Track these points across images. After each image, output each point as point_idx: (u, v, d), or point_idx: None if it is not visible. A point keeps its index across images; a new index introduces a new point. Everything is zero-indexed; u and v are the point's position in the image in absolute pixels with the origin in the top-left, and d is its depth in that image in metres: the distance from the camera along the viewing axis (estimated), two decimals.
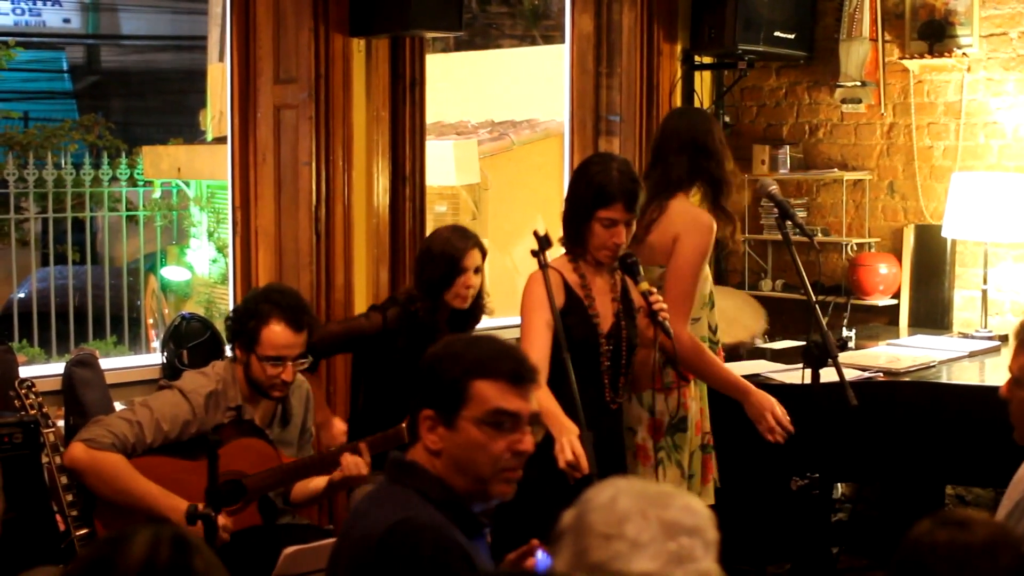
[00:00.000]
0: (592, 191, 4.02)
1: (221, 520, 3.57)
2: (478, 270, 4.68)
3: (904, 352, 5.61)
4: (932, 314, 6.48)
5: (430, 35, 5.87)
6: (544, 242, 3.89)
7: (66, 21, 19.35)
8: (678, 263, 4.38)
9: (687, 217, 4.45)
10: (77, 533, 4.17)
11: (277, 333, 4.12)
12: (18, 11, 18.35)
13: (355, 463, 4.02)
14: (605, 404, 4.12)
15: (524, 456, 2.69)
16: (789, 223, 4.34)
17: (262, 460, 4.08)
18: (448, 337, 2.87)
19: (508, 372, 2.69)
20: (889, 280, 6.55)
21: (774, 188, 4.42)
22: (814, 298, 4.13)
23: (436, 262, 4.67)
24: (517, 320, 4.17)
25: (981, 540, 2.04)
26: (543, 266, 3.88)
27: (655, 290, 4.04)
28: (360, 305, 5.54)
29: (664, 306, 4.01)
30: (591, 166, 4.11)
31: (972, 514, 2.14)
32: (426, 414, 2.71)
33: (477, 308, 4.79)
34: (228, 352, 4.55)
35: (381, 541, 2.54)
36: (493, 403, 2.66)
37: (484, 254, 4.74)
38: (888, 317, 6.65)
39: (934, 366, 5.34)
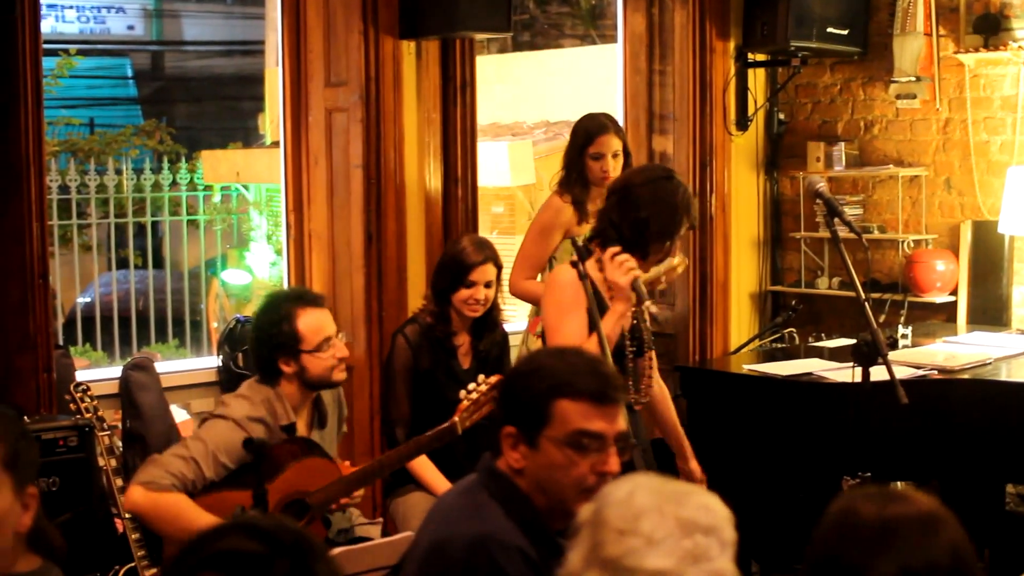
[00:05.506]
0: (680, 214, 4.11)
1: None
2: (489, 284, 4.67)
3: (961, 349, 5.54)
4: (990, 311, 6.41)
5: (479, 36, 5.88)
6: (584, 252, 3.92)
7: (130, 28, 19.54)
8: None
9: None
10: (134, 536, 4.21)
11: (312, 318, 4.12)
12: (83, 19, 18.55)
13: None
14: (629, 405, 4.12)
15: (608, 477, 2.60)
16: (838, 221, 4.31)
17: (323, 476, 4.03)
18: (537, 350, 2.83)
19: (592, 391, 2.62)
20: (946, 277, 6.48)
21: (822, 186, 4.39)
22: (863, 296, 4.10)
23: (446, 268, 4.67)
24: None
25: (918, 514, 1.93)
26: (583, 276, 3.88)
27: None
28: (413, 306, 5.56)
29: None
30: (677, 185, 4.16)
31: (906, 490, 2.03)
32: (508, 431, 2.67)
33: (492, 319, 4.78)
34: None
35: (465, 551, 2.54)
36: (575, 424, 2.60)
37: (499, 268, 4.73)
38: (946, 314, 6.59)
39: (990, 363, 5.27)
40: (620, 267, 3.97)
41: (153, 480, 3.85)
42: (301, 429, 4.20)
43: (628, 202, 4.14)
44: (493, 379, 4.16)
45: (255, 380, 4.18)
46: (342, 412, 4.46)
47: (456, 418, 4.10)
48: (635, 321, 4.20)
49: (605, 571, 1.83)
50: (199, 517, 3.83)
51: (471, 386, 4.17)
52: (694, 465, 4.52)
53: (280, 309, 4.15)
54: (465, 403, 4.14)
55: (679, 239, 4.19)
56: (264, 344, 4.13)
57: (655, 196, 4.11)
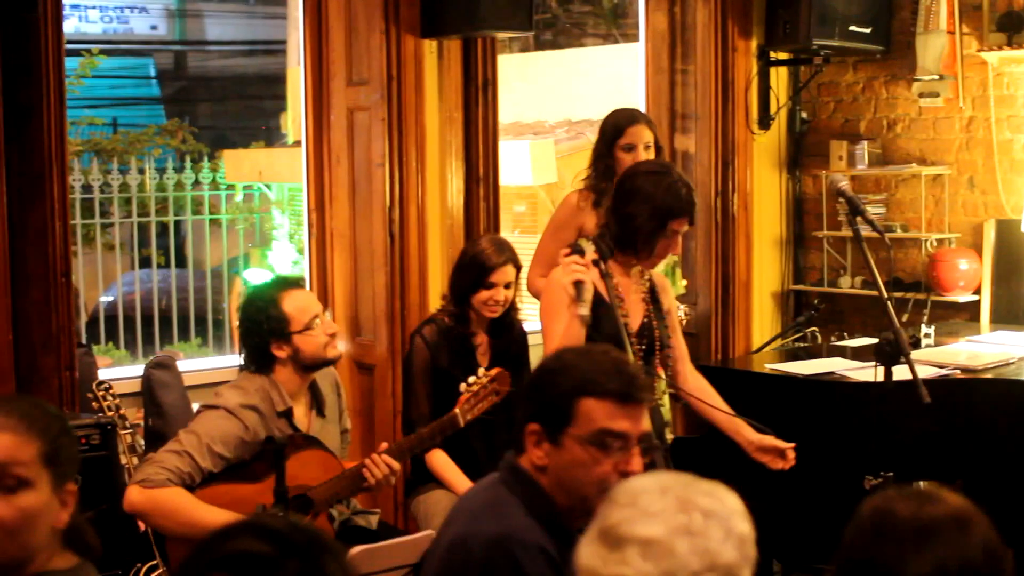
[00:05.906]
0: (663, 210, 4.04)
1: None
2: (509, 285, 4.67)
3: (984, 348, 5.52)
4: (1014, 310, 6.38)
5: (501, 35, 5.88)
6: (606, 251, 3.93)
7: (153, 28, 19.60)
8: None
9: None
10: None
11: (296, 299, 4.14)
12: (106, 19, 18.61)
13: (378, 467, 4.04)
14: None
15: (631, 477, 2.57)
16: (860, 219, 4.29)
17: (325, 470, 4.04)
18: (563, 348, 2.83)
19: (616, 391, 2.62)
20: (969, 276, 6.46)
21: (844, 184, 4.37)
22: (885, 295, 4.09)
23: (466, 269, 4.67)
24: None
25: (953, 514, 1.93)
26: (605, 275, 3.89)
27: None
28: (435, 306, 5.56)
29: None
30: (663, 177, 4.10)
31: (938, 489, 2.03)
32: (532, 428, 2.68)
33: (510, 318, 4.78)
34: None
35: (486, 549, 2.55)
36: (600, 423, 2.60)
37: (518, 269, 4.73)
38: (969, 313, 6.56)
39: (1013, 363, 5.25)
40: (566, 268, 3.95)
41: (148, 478, 3.84)
42: (300, 416, 4.19)
43: (619, 197, 4.13)
44: (493, 372, 4.24)
45: (248, 371, 4.18)
46: (342, 403, 4.46)
47: (457, 410, 4.17)
48: (646, 320, 4.18)
49: (603, 541, 1.84)
50: (198, 510, 3.83)
51: (471, 379, 4.23)
52: (761, 435, 4.27)
53: (263, 297, 4.17)
54: (466, 395, 4.19)
55: (674, 235, 4.10)
56: (254, 333, 4.14)
57: (639, 191, 4.07)
